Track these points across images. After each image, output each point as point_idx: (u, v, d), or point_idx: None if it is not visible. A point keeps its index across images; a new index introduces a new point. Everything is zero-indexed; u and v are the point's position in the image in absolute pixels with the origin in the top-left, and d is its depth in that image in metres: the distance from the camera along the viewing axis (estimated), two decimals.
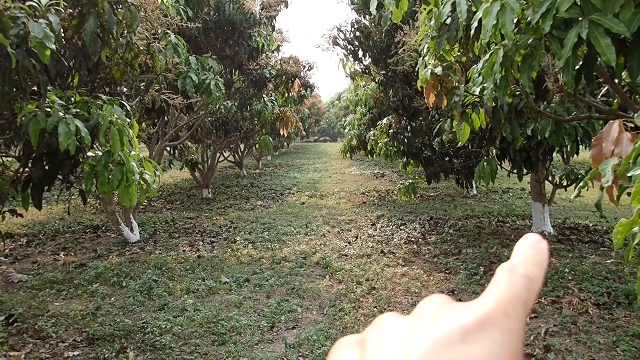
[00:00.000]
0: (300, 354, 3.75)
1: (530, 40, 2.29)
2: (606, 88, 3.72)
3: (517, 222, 8.54)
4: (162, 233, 7.89)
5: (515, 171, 6.90)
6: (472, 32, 2.45)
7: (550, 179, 7.48)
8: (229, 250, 6.75)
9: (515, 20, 2.25)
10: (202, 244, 7.18)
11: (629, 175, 1.29)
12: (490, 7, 2.21)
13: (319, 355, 3.71)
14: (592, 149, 1.87)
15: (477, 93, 3.97)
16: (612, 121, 1.79)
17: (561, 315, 4.45)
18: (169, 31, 5.06)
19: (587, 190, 6.80)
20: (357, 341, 0.29)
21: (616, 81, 2.84)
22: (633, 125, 1.77)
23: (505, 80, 2.38)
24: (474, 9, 2.58)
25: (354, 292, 5.06)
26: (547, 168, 7.29)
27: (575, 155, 6.46)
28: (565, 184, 7.28)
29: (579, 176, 6.95)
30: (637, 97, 3.33)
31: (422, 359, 0.24)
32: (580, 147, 6.15)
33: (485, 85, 2.52)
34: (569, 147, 6.16)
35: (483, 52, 2.62)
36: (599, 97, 3.84)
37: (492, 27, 2.17)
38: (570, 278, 5.38)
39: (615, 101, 3.45)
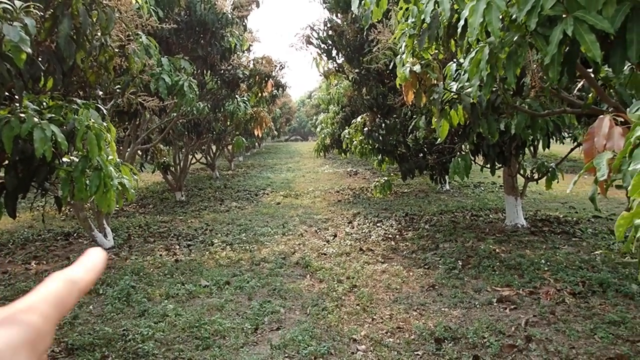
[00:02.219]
0: (287, 355, 3.73)
1: (515, 38, 2.32)
2: (581, 83, 3.79)
3: (491, 216, 8.66)
4: (136, 238, 7.76)
5: (488, 165, 7.00)
6: (459, 30, 2.46)
7: (521, 172, 7.61)
8: (207, 252, 6.68)
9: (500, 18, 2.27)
10: (178, 247, 7.09)
11: (630, 169, 1.31)
12: (476, 5, 2.23)
13: (305, 355, 3.69)
14: (584, 144, 1.89)
15: (455, 90, 4.01)
16: (602, 116, 1.82)
17: (539, 305, 4.52)
18: (139, 32, 4.97)
19: (557, 182, 6.90)
20: None
21: (592, 76, 2.88)
22: (622, 120, 1.80)
23: (491, 77, 2.40)
24: (455, 7, 2.60)
25: (335, 291, 5.06)
26: (519, 162, 7.41)
27: (547, 149, 6.59)
28: (536, 176, 7.41)
29: (550, 169, 7.08)
30: (611, 90, 3.39)
31: None
32: (550, 140, 6.29)
33: (466, 82, 2.54)
34: (540, 140, 6.28)
35: (464, 50, 2.64)
36: (574, 91, 3.90)
37: (479, 24, 2.19)
38: (545, 269, 5.47)
39: (590, 95, 3.51)
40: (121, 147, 7.96)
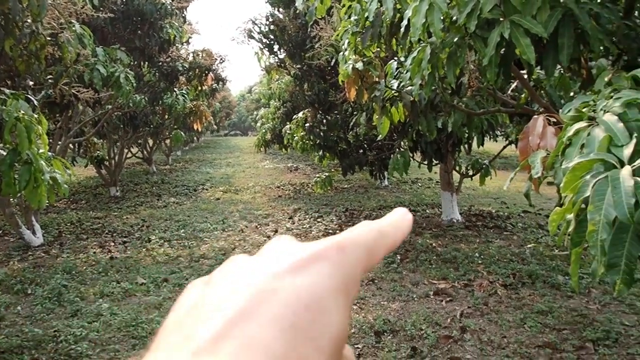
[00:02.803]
0: None
1: (456, 39, 2.38)
2: (514, 84, 3.94)
3: (427, 211, 8.87)
4: (67, 235, 7.48)
5: (426, 162, 7.18)
6: (402, 29, 2.50)
7: (457, 168, 7.84)
8: (143, 249, 6.52)
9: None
10: (113, 244, 6.89)
11: (563, 167, 1.38)
12: (419, 5, 2.27)
13: None
14: (519, 142, 1.98)
15: (395, 88, 4.08)
16: (536, 116, 1.90)
17: (473, 297, 4.67)
18: (73, 20, 4.78)
19: (490, 178, 7.15)
20: (205, 280, 0.30)
21: (525, 77, 3.00)
22: (555, 120, 1.89)
23: (432, 76, 2.46)
24: (398, 6, 2.64)
25: None
26: (454, 159, 7.63)
27: (481, 146, 6.82)
28: (470, 173, 7.66)
29: (483, 166, 7.34)
30: (542, 91, 3.54)
31: (250, 291, 0.25)
32: (484, 138, 6.53)
33: (408, 81, 2.59)
34: (474, 138, 6.50)
35: (405, 49, 2.69)
36: (508, 92, 4.05)
37: (421, 25, 2.23)
38: (479, 262, 5.67)
39: (522, 95, 3.65)
40: (52, 140, 7.63)
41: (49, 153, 3.52)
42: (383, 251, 0.31)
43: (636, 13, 2.56)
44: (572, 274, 1.38)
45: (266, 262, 0.28)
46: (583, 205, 1.33)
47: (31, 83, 4.50)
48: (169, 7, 7.37)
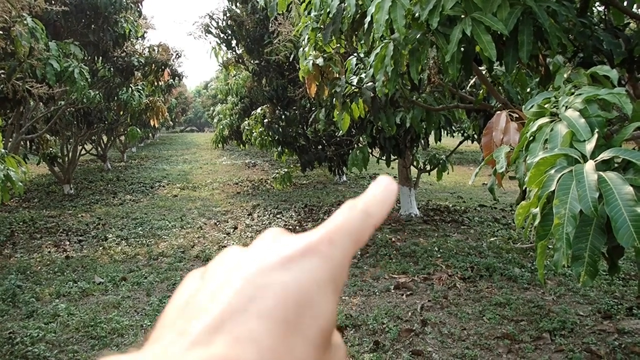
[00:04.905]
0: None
1: (418, 35, 2.41)
2: (473, 80, 4.01)
3: None
4: (20, 234, 7.25)
5: (384, 157, 7.25)
6: (365, 25, 2.52)
7: (415, 164, 7.95)
8: (100, 248, 6.38)
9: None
10: (68, 243, 6.71)
11: (528, 162, 1.41)
12: (382, 2, 2.29)
13: None
14: (483, 137, 2.02)
15: (355, 83, 4.10)
16: (499, 112, 1.95)
17: (433, 290, 4.75)
18: (24, 13, 4.62)
19: (447, 173, 7.28)
20: (201, 272, 0.31)
21: (484, 73, 3.06)
22: (517, 116, 1.93)
23: (395, 72, 2.49)
24: (360, 3, 2.66)
25: None
26: (412, 154, 7.73)
27: (438, 142, 6.92)
28: (428, 168, 7.78)
29: (440, 161, 7.46)
30: (499, 87, 3.62)
31: (242, 285, 0.26)
32: (442, 133, 6.64)
33: (369, 78, 2.62)
34: (432, 133, 6.60)
35: (367, 45, 2.71)
36: (467, 88, 4.13)
37: (385, 21, 2.25)
38: (438, 256, 5.77)
39: (481, 92, 3.73)
40: (3, 137, 7.36)
41: (2, 150, 3.40)
42: (369, 232, 0.31)
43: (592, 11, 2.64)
44: (538, 266, 1.42)
45: (258, 256, 0.28)
46: (547, 199, 1.37)
47: None
48: (123, 1, 7.20)
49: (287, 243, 0.29)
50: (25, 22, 4.62)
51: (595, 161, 1.33)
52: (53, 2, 6.00)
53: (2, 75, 4.66)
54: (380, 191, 0.32)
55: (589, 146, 1.39)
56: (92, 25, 7.16)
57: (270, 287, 0.26)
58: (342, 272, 0.29)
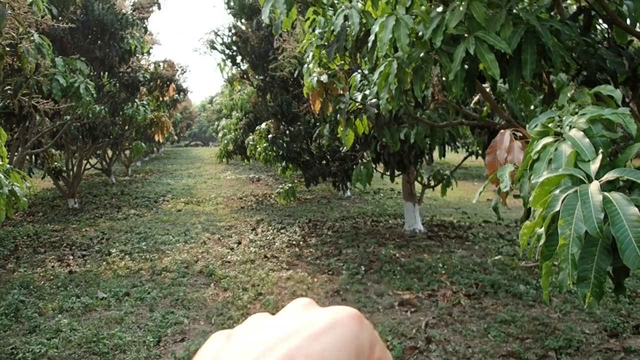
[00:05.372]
0: None
1: (422, 54, 2.43)
2: (477, 97, 4.02)
3: (390, 221, 8.94)
4: (24, 248, 7.26)
5: (388, 173, 7.24)
6: (369, 44, 2.54)
7: (419, 179, 7.94)
8: (104, 263, 6.37)
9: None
10: (72, 257, 6.71)
11: (532, 181, 1.41)
12: (386, 21, 2.31)
13: None
14: (487, 156, 2.02)
15: (359, 100, 4.12)
16: (503, 130, 1.95)
17: (437, 307, 4.72)
18: (31, 30, 4.67)
19: (452, 189, 7.26)
20: (227, 335, 0.31)
21: (488, 90, 3.07)
22: (521, 134, 1.94)
23: (399, 90, 2.50)
24: (363, 21, 2.68)
25: (240, 299, 5.01)
26: (417, 169, 7.73)
27: (442, 157, 6.92)
28: (432, 183, 7.76)
29: (445, 176, 7.45)
30: (503, 105, 3.63)
31: (266, 356, 0.26)
32: (446, 149, 6.64)
33: (373, 95, 2.63)
34: (436, 149, 6.60)
35: (371, 63, 2.73)
36: (471, 105, 4.14)
37: (388, 40, 2.27)
38: (442, 272, 5.74)
39: (485, 109, 3.73)
40: (8, 152, 7.40)
41: (7, 165, 3.41)
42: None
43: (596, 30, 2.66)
44: (543, 286, 1.41)
45: (285, 326, 0.29)
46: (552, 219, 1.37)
47: None
48: (130, 17, 7.27)
49: (314, 315, 0.30)
50: (32, 38, 4.66)
51: (600, 181, 1.33)
52: (60, 18, 6.06)
53: (9, 92, 4.70)
54: None
55: (594, 166, 1.38)
56: (99, 41, 7.23)
57: (303, 357, 0.26)
58: (366, 349, 0.29)
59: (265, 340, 0.28)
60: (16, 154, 7.33)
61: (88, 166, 13.12)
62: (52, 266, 6.26)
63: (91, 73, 7.10)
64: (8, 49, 3.61)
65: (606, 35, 2.95)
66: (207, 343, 0.31)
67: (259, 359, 0.27)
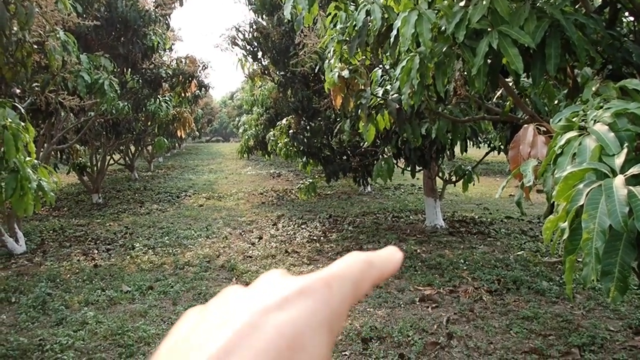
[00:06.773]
0: None
1: (444, 49, 2.42)
2: (500, 91, 3.99)
3: (411, 217, 8.91)
4: (50, 242, 7.40)
5: (409, 168, 7.23)
6: (391, 39, 2.54)
7: (440, 175, 7.90)
8: (127, 257, 6.47)
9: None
10: (97, 251, 6.82)
11: (556, 176, 1.41)
12: (408, 16, 2.31)
13: None
14: (510, 151, 2.01)
15: (380, 95, 4.11)
16: (526, 125, 1.94)
17: (459, 303, 4.70)
18: (57, 27, 4.75)
19: (473, 184, 7.21)
20: (199, 310, 0.31)
21: (511, 85, 3.05)
22: (545, 129, 1.93)
23: (422, 85, 2.50)
24: (385, 16, 2.68)
25: None
26: (438, 165, 7.70)
27: (464, 152, 6.88)
28: (454, 179, 7.72)
29: (466, 172, 7.40)
30: (526, 99, 3.60)
31: (236, 325, 0.26)
32: (467, 144, 6.59)
33: (395, 90, 2.63)
34: (458, 144, 6.56)
35: (393, 58, 2.73)
36: (494, 99, 4.11)
37: (411, 35, 2.27)
38: (464, 268, 5.71)
39: (507, 103, 3.71)
40: (34, 148, 7.53)
41: (35, 161, 3.49)
42: (370, 283, 0.31)
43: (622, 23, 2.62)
44: (566, 281, 1.41)
45: (255, 296, 0.29)
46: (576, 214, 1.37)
47: (18, 91, 4.45)
48: (152, 14, 7.35)
49: (284, 284, 0.29)
50: (58, 36, 4.74)
51: (624, 175, 1.32)
52: (85, 16, 6.15)
53: (37, 88, 4.79)
54: (386, 253, 0.34)
55: (619, 160, 1.37)
56: (122, 38, 7.32)
57: (263, 328, 0.26)
58: (340, 317, 0.29)
59: (234, 311, 0.28)
60: (42, 149, 7.47)
61: (111, 162, 13.30)
62: (78, 260, 6.37)
63: (115, 70, 7.19)
64: (35, 46, 3.68)
65: (632, 28, 2.91)
66: (182, 319, 0.31)
67: (221, 327, 0.27)
